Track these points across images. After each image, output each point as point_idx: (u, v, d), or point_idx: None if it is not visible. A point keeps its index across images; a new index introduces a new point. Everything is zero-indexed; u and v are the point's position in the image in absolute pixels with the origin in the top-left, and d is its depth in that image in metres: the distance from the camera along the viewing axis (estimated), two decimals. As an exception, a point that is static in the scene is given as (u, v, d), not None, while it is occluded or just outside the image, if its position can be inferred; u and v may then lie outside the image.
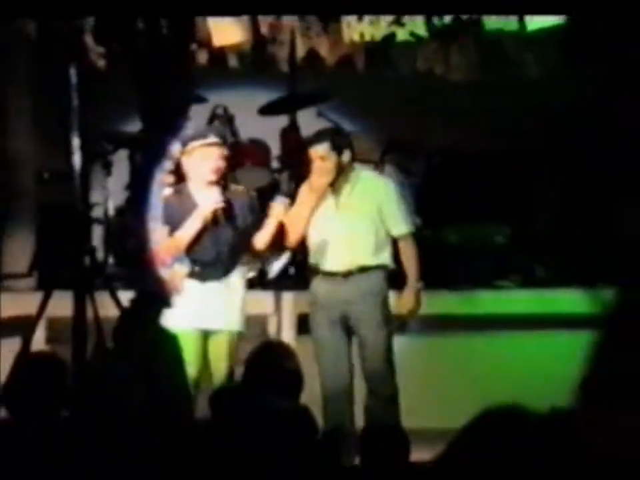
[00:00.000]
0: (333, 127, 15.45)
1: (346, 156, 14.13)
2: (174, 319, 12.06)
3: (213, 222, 13.67)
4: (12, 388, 10.68)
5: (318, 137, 14.38)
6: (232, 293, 13.46)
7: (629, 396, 4.47)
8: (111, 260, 15.92)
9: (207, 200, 13.50)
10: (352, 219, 14.19)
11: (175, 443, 8.51)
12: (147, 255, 13.50)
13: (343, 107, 16.53)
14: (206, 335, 13.37)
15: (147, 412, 11.02)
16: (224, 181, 13.80)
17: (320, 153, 13.97)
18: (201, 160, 13.32)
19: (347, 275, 14.05)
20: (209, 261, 13.42)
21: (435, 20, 16.76)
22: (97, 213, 15.69)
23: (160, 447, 8.63)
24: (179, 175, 13.92)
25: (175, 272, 13.37)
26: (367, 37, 16.42)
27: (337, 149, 14.03)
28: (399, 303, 14.14)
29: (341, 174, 14.02)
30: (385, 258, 14.14)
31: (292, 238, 14.23)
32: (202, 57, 16.30)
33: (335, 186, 13.96)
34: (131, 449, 8.68)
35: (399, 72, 17.12)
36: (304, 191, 14.31)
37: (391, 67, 17.00)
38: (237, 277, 13.76)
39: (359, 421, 13.77)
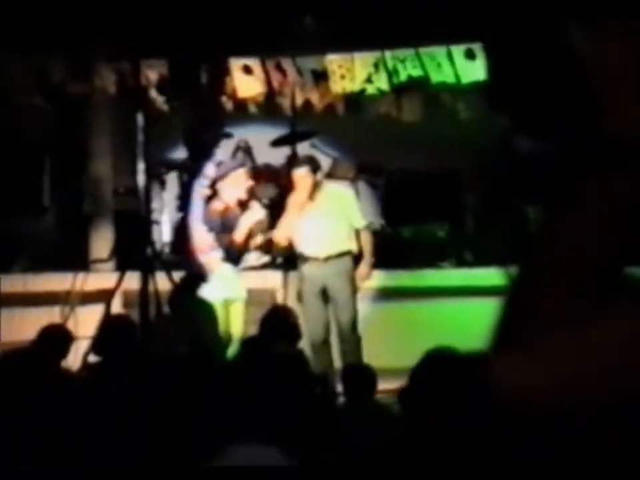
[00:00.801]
0: (308, 155, 16.62)
1: (319, 175, 15.80)
2: (209, 291, 14.27)
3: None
4: (99, 340, 12.26)
5: (298, 163, 16.06)
6: (241, 273, 15.42)
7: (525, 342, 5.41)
8: (166, 249, 16.74)
9: (252, 213, 15.29)
10: (326, 219, 15.59)
11: (211, 380, 8.75)
12: (189, 245, 15.38)
13: (329, 140, 17.52)
14: (227, 303, 14.75)
15: (190, 356, 11.89)
16: (249, 194, 15.66)
17: (300, 174, 15.40)
18: (235, 182, 15.12)
19: (327, 259, 15.65)
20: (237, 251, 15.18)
21: (392, 79, 16.93)
22: (155, 216, 16.48)
23: (200, 383, 8.93)
24: (214, 190, 15.44)
25: (211, 257, 14.94)
26: (346, 91, 16.88)
27: (313, 170, 15.63)
28: (359, 272, 15.68)
29: (315, 188, 15.47)
30: (352, 245, 15.73)
31: (284, 236, 15.52)
32: (229, 105, 16.85)
33: (312, 197, 15.36)
34: (180, 383, 9.23)
35: (367, 115, 17.77)
36: (290, 203, 15.52)
37: (361, 112, 17.56)
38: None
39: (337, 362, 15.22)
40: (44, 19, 16.28)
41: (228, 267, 14.98)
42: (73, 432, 7.75)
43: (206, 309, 14.39)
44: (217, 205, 15.25)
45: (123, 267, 15.04)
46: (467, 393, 6.72)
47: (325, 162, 17.25)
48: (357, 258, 15.90)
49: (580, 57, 2.37)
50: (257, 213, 15.40)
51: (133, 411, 8.29)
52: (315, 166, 15.89)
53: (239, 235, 15.06)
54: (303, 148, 17.05)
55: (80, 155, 16.68)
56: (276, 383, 7.35)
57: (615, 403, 2.43)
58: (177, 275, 14.53)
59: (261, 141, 16.99)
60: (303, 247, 15.59)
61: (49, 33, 16.38)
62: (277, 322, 13.13)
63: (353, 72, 16.76)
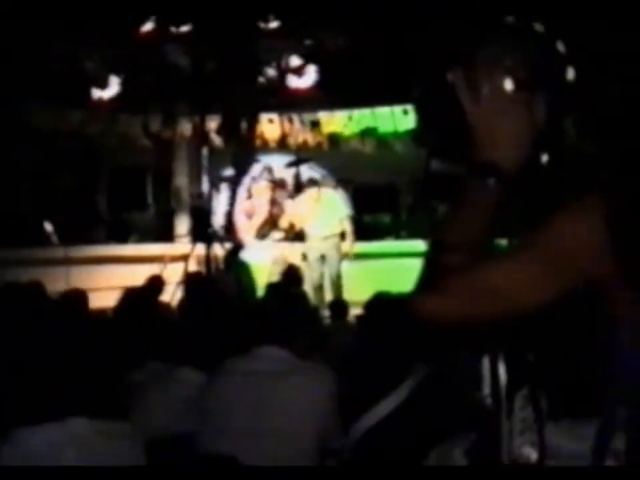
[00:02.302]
0: (313, 179, 16.40)
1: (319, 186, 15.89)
2: (245, 255, 15.14)
3: None
4: (184, 285, 12.50)
5: (309, 185, 16.01)
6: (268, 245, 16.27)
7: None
8: (220, 230, 16.35)
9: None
10: (325, 212, 15.64)
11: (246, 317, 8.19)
12: (233, 228, 16.56)
13: (319, 164, 17.44)
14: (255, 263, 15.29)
15: (235, 298, 13.14)
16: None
17: (310, 192, 15.73)
18: (261, 190, 16.47)
19: (325, 237, 15.62)
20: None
21: (358, 127, 17.16)
22: (214, 210, 16.73)
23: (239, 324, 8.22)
24: (249, 194, 16.73)
25: (245, 236, 16.29)
26: (330, 134, 17.17)
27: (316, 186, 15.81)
28: (343, 245, 15.66)
29: (319, 193, 15.68)
30: (340, 229, 15.67)
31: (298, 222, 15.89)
32: (258, 142, 17.18)
33: (316, 199, 15.59)
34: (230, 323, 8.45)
35: (343, 149, 17.23)
36: (302, 204, 15.90)
37: (339, 147, 17.32)
38: None
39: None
40: (153, 93, 16.28)
41: (256, 242, 15.92)
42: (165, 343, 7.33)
43: (243, 266, 15.13)
44: (248, 205, 16.57)
45: (195, 240, 15.55)
46: (400, 318, 6.66)
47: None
48: (342, 236, 15.78)
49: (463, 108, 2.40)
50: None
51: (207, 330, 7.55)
52: (317, 185, 15.96)
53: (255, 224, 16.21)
54: (304, 169, 17.20)
55: (169, 173, 17.09)
56: (289, 310, 7.24)
57: (492, 320, 2.65)
58: (226, 246, 15.32)
59: (278, 164, 17.21)
60: (310, 230, 15.82)
61: (152, 100, 16.46)
62: (290, 274, 14.06)
63: (334, 122, 17.11)
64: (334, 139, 17.15)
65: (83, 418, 5.05)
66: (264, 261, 15.74)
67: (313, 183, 16.15)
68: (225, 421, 5.96)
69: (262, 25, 16.02)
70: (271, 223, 16.49)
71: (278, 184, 16.95)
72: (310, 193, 16.04)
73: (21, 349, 6.29)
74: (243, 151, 16.86)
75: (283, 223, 16.52)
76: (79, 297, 10.12)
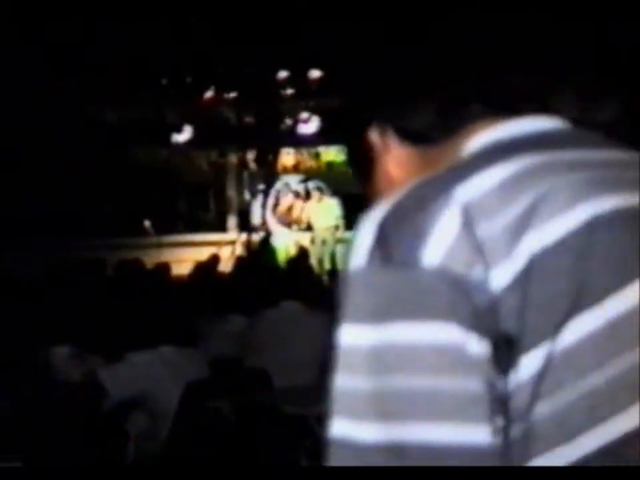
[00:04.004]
0: (319, 186, 15.90)
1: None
2: (273, 240, 14.89)
3: None
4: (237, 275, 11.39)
5: (314, 193, 15.88)
6: (289, 234, 15.80)
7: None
8: (256, 223, 15.79)
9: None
10: (326, 212, 15.27)
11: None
12: (265, 222, 15.94)
13: (320, 181, 16.18)
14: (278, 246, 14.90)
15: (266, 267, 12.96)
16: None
17: (317, 195, 15.62)
18: (284, 198, 15.92)
19: (326, 228, 14.94)
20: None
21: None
22: (252, 210, 16.15)
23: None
24: (276, 201, 16.18)
25: (273, 228, 15.71)
26: (327, 160, 16.43)
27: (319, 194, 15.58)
28: (337, 234, 14.80)
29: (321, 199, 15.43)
30: (337, 222, 15.08)
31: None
32: (279, 168, 16.58)
33: (320, 201, 15.33)
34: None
35: (334, 171, 15.56)
36: (311, 205, 15.79)
37: (333, 170, 15.82)
38: None
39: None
40: (212, 136, 16.23)
41: (279, 231, 15.53)
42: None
43: (271, 248, 14.97)
44: (275, 207, 16.14)
45: (240, 231, 15.60)
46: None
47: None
48: (336, 227, 15.15)
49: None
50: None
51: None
52: (320, 193, 15.53)
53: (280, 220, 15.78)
54: (311, 184, 16.37)
55: (223, 187, 16.78)
56: (300, 276, 7.43)
57: None
58: (260, 234, 15.24)
59: (293, 181, 16.59)
60: (316, 223, 15.43)
61: (212, 141, 16.47)
62: (301, 252, 13.71)
63: (329, 154, 16.40)
64: (329, 164, 16.62)
65: (170, 345, 5.13)
66: (285, 244, 15.39)
67: (317, 191, 15.88)
68: (265, 350, 5.74)
69: (283, 92, 15.89)
70: (290, 219, 16.09)
71: (294, 193, 16.46)
72: (315, 199, 15.80)
73: (132, 300, 6.40)
74: (270, 173, 16.53)
75: (298, 218, 16.14)
76: (166, 268, 10.20)
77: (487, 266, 1.00)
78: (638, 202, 1.08)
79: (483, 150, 1.14)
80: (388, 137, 1.25)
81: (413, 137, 1.23)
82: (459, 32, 1.28)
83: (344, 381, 1.04)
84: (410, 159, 1.24)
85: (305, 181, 16.31)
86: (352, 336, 1.03)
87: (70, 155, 14.20)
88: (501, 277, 1.00)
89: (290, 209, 16.29)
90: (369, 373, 1.01)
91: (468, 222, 1.02)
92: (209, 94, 15.86)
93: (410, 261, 1.01)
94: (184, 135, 15.97)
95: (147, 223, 15.66)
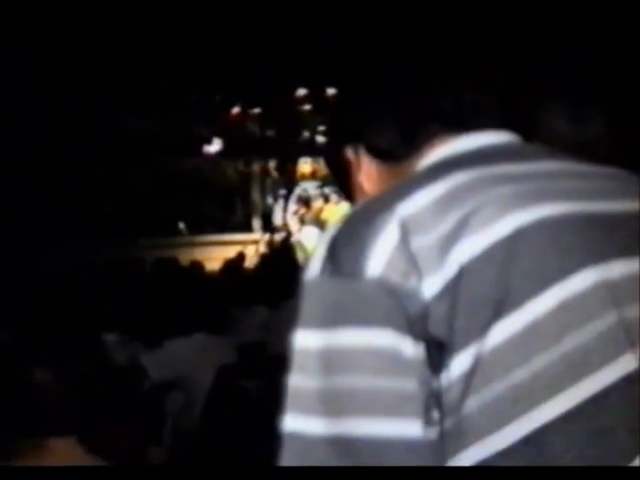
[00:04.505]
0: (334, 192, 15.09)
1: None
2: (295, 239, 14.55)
3: None
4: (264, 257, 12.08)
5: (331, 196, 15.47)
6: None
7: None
8: (277, 224, 15.65)
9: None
10: (341, 211, 15.37)
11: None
12: (286, 223, 15.64)
13: (335, 187, 14.43)
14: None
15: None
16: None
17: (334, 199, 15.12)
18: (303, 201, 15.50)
19: None
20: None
21: None
22: (275, 213, 16.08)
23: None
24: (296, 203, 15.94)
25: (294, 228, 15.34)
26: None
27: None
28: None
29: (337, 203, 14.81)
30: None
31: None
32: (298, 176, 16.27)
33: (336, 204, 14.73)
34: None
35: None
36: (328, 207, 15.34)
37: None
38: None
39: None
40: (238, 147, 16.29)
41: (299, 231, 15.14)
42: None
43: (291, 246, 14.20)
44: (295, 209, 15.77)
45: (263, 231, 15.56)
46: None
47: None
48: None
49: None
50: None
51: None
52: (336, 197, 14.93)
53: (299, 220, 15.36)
54: (326, 189, 15.65)
55: (248, 192, 16.65)
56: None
57: None
58: (281, 234, 15.05)
59: (311, 187, 16.33)
60: (333, 222, 15.27)
61: (238, 151, 16.56)
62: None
63: None
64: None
65: (203, 333, 5.17)
66: (306, 243, 14.91)
67: (332, 196, 15.53)
68: (287, 337, 5.49)
69: (301, 108, 15.88)
70: (309, 219, 15.88)
71: (312, 197, 16.26)
72: (331, 202, 15.58)
73: (169, 293, 6.44)
74: (290, 180, 16.44)
75: (317, 218, 15.79)
76: (198, 265, 10.10)
77: (420, 276, 1.02)
78: (565, 210, 1.08)
79: (431, 166, 1.16)
80: (360, 154, 1.27)
81: (380, 154, 1.25)
82: (417, 54, 1.29)
83: (296, 380, 1.07)
84: (379, 173, 1.26)
85: (321, 186, 16.11)
86: (304, 340, 1.08)
87: (115, 164, 14.29)
88: (432, 286, 1.01)
89: (309, 209, 16.13)
90: (317, 374, 1.04)
91: (404, 236, 1.03)
92: (235, 110, 15.86)
93: (355, 272, 1.03)
94: (214, 147, 15.92)
95: (181, 225, 15.61)
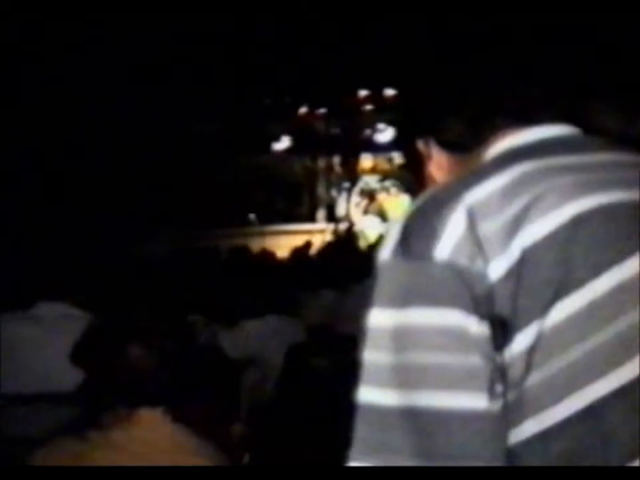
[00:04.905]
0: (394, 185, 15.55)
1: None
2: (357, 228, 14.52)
3: None
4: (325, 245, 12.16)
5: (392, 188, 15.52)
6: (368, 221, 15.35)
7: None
8: (341, 215, 15.62)
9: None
10: (401, 204, 14.91)
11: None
12: (348, 213, 15.63)
13: (395, 180, 15.70)
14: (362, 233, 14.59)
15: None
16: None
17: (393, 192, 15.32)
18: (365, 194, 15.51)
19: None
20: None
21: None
22: (339, 204, 15.92)
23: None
24: (359, 196, 15.95)
25: (357, 217, 15.38)
26: (399, 163, 15.41)
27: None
28: None
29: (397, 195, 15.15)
30: None
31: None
32: (360, 170, 16.18)
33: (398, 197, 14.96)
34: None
35: (405, 171, 16.70)
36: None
37: (404, 171, 13.99)
38: None
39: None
40: (305, 144, 16.14)
41: (361, 221, 15.09)
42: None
43: (353, 235, 14.58)
44: (358, 201, 15.73)
45: (328, 221, 15.48)
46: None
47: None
48: None
49: None
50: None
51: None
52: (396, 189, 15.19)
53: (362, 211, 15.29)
54: (387, 182, 15.88)
55: (314, 186, 16.41)
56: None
57: None
58: (345, 224, 15.02)
59: (372, 180, 16.12)
60: (391, 215, 14.95)
61: (305, 148, 16.48)
62: (379, 239, 12.98)
63: (400, 158, 14.17)
64: (401, 166, 15.79)
65: (275, 315, 5.18)
66: (367, 232, 15.06)
67: (391, 189, 15.61)
68: (352, 318, 5.44)
69: (363, 107, 15.76)
70: (370, 210, 15.80)
71: (373, 190, 16.18)
72: (390, 195, 15.54)
73: (243, 278, 6.35)
74: (352, 174, 16.25)
75: (378, 210, 15.77)
76: (269, 252, 10.17)
77: (486, 259, 1.02)
78: (621, 198, 1.08)
79: (497, 157, 1.15)
80: (430, 146, 1.28)
81: (449, 145, 1.26)
82: (483, 54, 1.28)
83: (370, 355, 1.08)
84: (448, 163, 1.27)
85: (381, 180, 16.02)
86: (377, 318, 1.08)
87: (193, 161, 14.42)
88: (497, 268, 1.02)
89: (372, 201, 16.04)
90: (389, 350, 1.05)
91: (472, 222, 1.04)
92: (303, 110, 15.85)
93: (425, 255, 1.04)
94: (282, 144, 15.91)
95: (252, 216, 15.59)
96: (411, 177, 1.35)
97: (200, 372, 3.06)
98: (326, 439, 3.66)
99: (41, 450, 2.31)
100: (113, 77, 10.82)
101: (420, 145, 1.30)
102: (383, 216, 15.35)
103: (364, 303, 3.51)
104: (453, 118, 1.25)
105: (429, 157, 1.29)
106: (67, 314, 4.30)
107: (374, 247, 10.90)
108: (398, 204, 15.23)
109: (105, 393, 2.35)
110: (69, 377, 2.87)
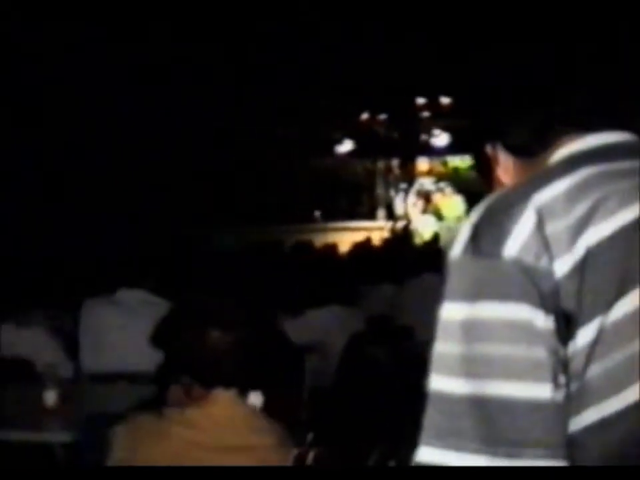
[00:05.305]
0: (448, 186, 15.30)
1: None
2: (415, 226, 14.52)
3: None
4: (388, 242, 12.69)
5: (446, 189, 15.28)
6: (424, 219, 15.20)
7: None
8: (400, 213, 15.56)
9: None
10: (454, 204, 14.80)
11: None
12: (407, 212, 15.54)
13: (448, 182, 15.47)
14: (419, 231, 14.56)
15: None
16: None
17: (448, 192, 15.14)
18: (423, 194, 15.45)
19: (456, 216, 14.44)
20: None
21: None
22: (397, 203, 15.77)
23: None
24: (416, 196, 15.83)
25: (415, 215, 15.23)
26: (453, 166, 15.63)
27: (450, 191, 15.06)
28: (462, 221, 14.75)
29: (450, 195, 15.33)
30: (460, 211, 14.25)
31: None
32: (417, 172, 16.14)
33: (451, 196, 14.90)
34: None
35: (459, 174, 14.96)
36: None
37: (458, 173, 15.22)
38: None
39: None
40: (365, 148, 16.06)
41: (418, 220, 15.03)
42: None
43: (410, 233, 14.49)
44: (415, 201, 15.50)
45: (387, 219, 15.37)
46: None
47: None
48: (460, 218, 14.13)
49: None
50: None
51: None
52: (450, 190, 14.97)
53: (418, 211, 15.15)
54: (441, 184, 15.52)
55: (373, 187, 16.34)
56: (434, 254, 6.77)
57: None
58: (403, 222, 14.92)
59: (428, 182, 15.74)
60: (445, 214, 14.81)
61: (365, 152, 16.48)
62: (434, 236, 13.44)
63: (454, 161, 15.62)
64: (455, 169, 16.00)
65: (337, 305, 5.16)
66: (423, 230, 14.86)
67: (446, 190, 15.36)
68: (409, 310, 5.56)
69: (420, 114, 15.73)
70: (425, 210, 15.62)
71: (430, 192, 15.96)
72: (445, 196, 15.31)
73: (307, 271, 6.33)
74: (409, 176, 16.14)
75: (433, 209, 15.50)
76: (332, 247, 10.22)
77: (551, 257, 1.02)
78: None
79: (561, 161, 1.15)
80: (498, 151, 1.28)
81: (515, 150, 1.26)
82: (545, 66, 1.29)
83: (441, 346, 1.07)
84: (514, 167, 1.27)
85: (436, 182, 15.90)
86: (449, 311, 1.07)
87: (264, 165, 14.59)
88: (562, 266, 1.02)
89: (427, 202, 15.86)
90: (459, 341, 1.04)
91: (539, 222, 1.04)
92: (364, 116, 15.83)
93: (494, 252, 1.04)
94: (345, 147, 15.88)
95: (316, 213, 15.64)
96: (483, 181, 1.35)
97: (270, 356, 3.08)
98: (381, 420, 3.81)
99: (121, 425, 2.33)
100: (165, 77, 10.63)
101: (488, 149, 1.30)
102: (437, 215, 15.22)
103: (420, 296, 4.36)
104: (519, 125, 1.26)
105: (497, 161, 1.29)
106: (146, 300, 4.39)
107: (429, 244, 11.14)
108: (452, 204, 15.11)
109: (183, 373, 2.36)
110: (147, 358, 2.88)
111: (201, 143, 12.43)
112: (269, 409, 2.49)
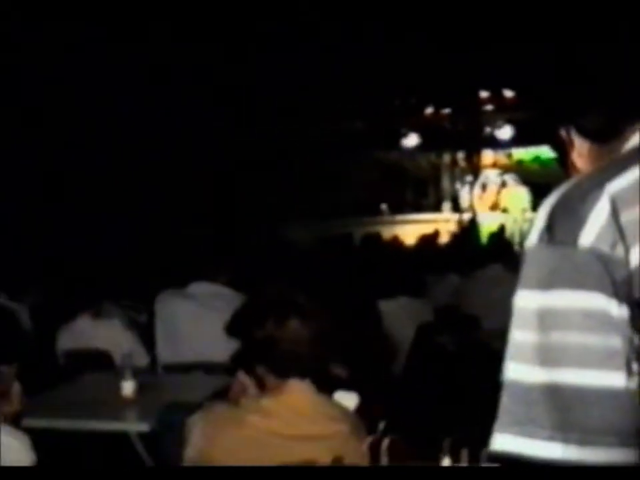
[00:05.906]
0: (513, 179, 15.09)
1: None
2: (480, 220, 14.29)
3: None
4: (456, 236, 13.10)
5: (510, 182, 15.07)
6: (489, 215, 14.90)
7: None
8: (465, 206, 15.47)
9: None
10: (518, 196, 14.56)
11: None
12: (472, 206, 15.19)
13: (512, 174, 15.33)
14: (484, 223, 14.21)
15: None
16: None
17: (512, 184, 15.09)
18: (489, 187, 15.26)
19: (522, 209, 14.10)
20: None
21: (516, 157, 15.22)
22: (462, 196, 15.59)
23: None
24: (481, 189, 15.60)
25: (479, 210, 15.00)
26: (518, 158, 15.63)
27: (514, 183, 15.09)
28: (527, 215, 13.53)
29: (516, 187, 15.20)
30: (525, 204, 14.06)
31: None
32: (482, 164, 16.14)
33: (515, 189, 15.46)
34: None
35: (523, 167, 15.29)
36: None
37: (522, 166, 15.45)
38: None
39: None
40: (431, 142, 15.75)
41: (483, 213, 14.79)
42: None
43: (476, 224, 14.21)
44: (480, 193, 15.35)
45: (453, 211, 15.23)
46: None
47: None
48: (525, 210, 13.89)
49: None
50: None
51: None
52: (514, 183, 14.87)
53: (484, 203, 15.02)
54: (506, 177, 15.31)
55: (438, 180, 16.18)
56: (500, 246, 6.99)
57: None
58: (468, 215, 14.73)
59: (492, 174, 15.64)
60: (511, 207, 14.60)
61: (431, 145, 16.15)
62: (500, 228, 13.08)
63: (519, 153, 15.71)
64: (519, 161, 15.93)
65: (405, 296, 5.16)
66: (488, 222, 14.55)
67: (511, 182, 15.20)
68: (476, 300, 5.56)
69: (484, 107, 15.57)
70: (492, 203, 15.37)
71: (496, 184, 15.67)
72: (510, 188, 15.14)
73: (375, 262, 6.30)
74: (474, 169, 15.97)
75: (498, 203, 15.24)
76: (399, 240, 10.24)
77: (627, 247, 1.00)
78: None
79: (633, 150, 1.13)
80: (571, 135, 1.26)
81: (590, 134, 1.24)
82: (618, 59, 1.26)
83: (517, 335, 1.05)
84: (588, 152, 1.25)
85: (501, 174, 15.70)
86: (524, 299, 1.05)
87: (333, 159, 14.50)
88: (636, 256, 1.00)
89: (490, 194, 15.67)
90: (535, 329, 1.03)
91: (614, 211, 1.01)
92: (429, 110, 15.70)
93: (570, 241, 1.02)
94: (411, 141, 15.70)
95: (383, 206, 15.57)
96: (562, 166, 1.32)
97: (341, 346, 3.08)
98: (449, 404, 3.85)
99: (197, 414, 2.33)
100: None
101: (562, 134, 1.29)
102: (502, 207, 15.03)
103: (485, 286, 4.58)
104: (594, 111, 1.25)
105: (571, 146, 1.27)
106: (219, 292, 4.40)
107: (494, 236, 11.05)
108: (516, 196, 14.88)
109: (260, 362, 2.34)
110: (221, 348, 2.87)
111: (251, 138, 12.27)
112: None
